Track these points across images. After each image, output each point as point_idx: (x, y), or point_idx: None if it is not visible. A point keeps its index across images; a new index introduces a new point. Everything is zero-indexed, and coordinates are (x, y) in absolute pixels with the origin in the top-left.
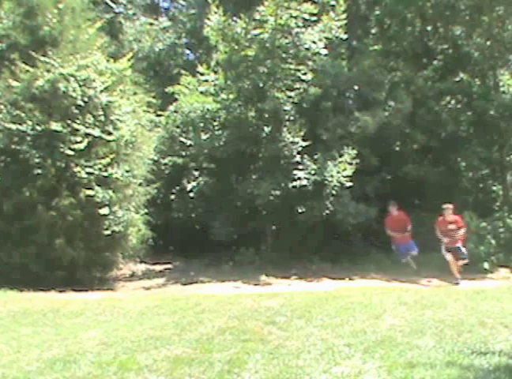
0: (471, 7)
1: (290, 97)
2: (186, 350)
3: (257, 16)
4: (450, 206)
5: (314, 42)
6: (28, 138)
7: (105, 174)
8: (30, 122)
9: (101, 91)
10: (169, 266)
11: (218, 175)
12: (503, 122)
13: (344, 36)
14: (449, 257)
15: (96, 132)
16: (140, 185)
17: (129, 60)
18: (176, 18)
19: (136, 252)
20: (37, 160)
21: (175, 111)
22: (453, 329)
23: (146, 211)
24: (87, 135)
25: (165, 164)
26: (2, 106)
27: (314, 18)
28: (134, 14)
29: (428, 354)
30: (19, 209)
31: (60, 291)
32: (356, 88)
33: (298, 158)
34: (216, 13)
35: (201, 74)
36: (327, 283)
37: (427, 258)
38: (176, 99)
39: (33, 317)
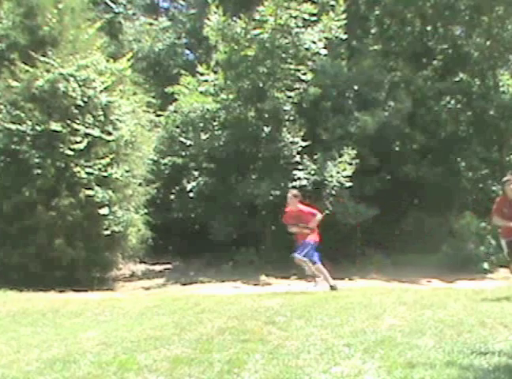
0: (471, 7)
1: (290, 97)
2: (186, 350)
3: (257, 16)
4: None
5: (313, 42)
6: (28, 138)
7: (105, 174)
8: (30, 122)
9: (101, 92)
10: (169, 266)
11: (218, 175)
12: (503, 122)
13: (344, 36)
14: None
15: (96, 132)
16: (139, 185)
17: (128, 60)
18: (176, 18)
19: (135, 252)
20: (37, 160)
21: (175, 111)
22: (452, 329)
23: (146, 211)
24: (87, 135)
25: (165, 164)
26: (2, 106)
27: (314, 18)
28: (134, 14)
29: (428, 354)
30: (18, 209)
31: (60, 291)
32: (356, 88)
33: (297, 158)
34: (215, 12)
35: (201, 74)
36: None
37: (427, 258)
38: (176, 99)
39: (33, 317)
